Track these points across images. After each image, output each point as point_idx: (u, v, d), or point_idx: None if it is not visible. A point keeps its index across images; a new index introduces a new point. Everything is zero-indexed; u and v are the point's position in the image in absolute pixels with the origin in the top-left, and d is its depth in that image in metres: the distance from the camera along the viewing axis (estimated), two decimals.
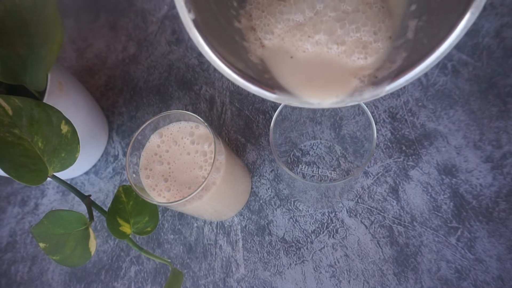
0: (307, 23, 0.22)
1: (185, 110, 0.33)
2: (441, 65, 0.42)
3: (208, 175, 0.28)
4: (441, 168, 0.39)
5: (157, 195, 0.31)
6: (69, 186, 0.32)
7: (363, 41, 0.21)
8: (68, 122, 0.30)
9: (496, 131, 0.39)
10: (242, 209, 0.41)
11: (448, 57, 0.42)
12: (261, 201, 0.41)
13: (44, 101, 0.35)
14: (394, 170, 0.39)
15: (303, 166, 0.41)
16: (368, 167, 0.40)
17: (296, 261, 0.38)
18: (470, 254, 0.35)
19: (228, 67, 0.19)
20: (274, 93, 0.20)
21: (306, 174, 0.40)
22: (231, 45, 0.21)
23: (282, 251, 0.39)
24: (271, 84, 0.20)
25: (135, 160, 0.32)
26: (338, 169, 0.40)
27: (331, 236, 0.38)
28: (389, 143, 0.41)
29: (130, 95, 0.50)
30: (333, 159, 0.40)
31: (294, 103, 0.20)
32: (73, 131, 0.30)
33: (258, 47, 0.22)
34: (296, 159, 0.41)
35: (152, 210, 0.33)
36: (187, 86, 0.48)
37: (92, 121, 0.44)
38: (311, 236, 0.39)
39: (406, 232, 0.37)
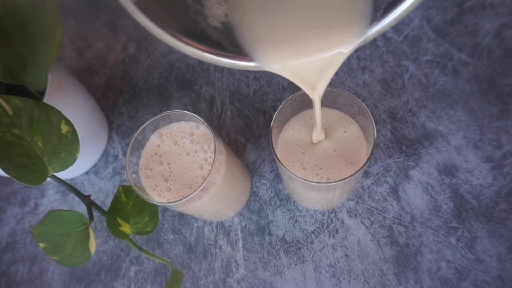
0: None
1: (185, 110, 0.33)
2: (441, 65, 0.42)
3: (208, 175, 0.28)
4: (441, 168, 0.39)
5: (157, 195, 0.31)
6: (69, 186, 0.32)
7: None
8: (68, 122, 0.30)
9: (496, 131, 0.39)
10: (242, 209, 0.41)
11: (448, 57, 0.42)
12: (261, 201, 0.41)
13: (44, 101, 0.35)
14: (394, 170, 0.39)
15: None
16: (368, 167, 0.40)
17: (296, 261, 0.38)
18: (470, 254, 0.35)
19: (192, 46, 0.17)
20: (251, 61, 0.17)
21: None
22: (185, 14, 0.18)
23: (282, 251, 0.39)
24: (239, 52, 0.18)
25: (135, 160, 0.32)
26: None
27: (331, 236, 0.38)
28: (389, 143, 0.40)
29: (130, 95, 0.50)
30: None
31: (278, 68, 0.18)
32: (73, 131, 0.30)
33: (218, 7, 0.19)
34: None
35: (152, 210, 0.33)
36: (187, 86, 0.48)
37: (92, 121, 0.44)
38: (311, 236, 0.39)
39: (406, 232, 0.37)
